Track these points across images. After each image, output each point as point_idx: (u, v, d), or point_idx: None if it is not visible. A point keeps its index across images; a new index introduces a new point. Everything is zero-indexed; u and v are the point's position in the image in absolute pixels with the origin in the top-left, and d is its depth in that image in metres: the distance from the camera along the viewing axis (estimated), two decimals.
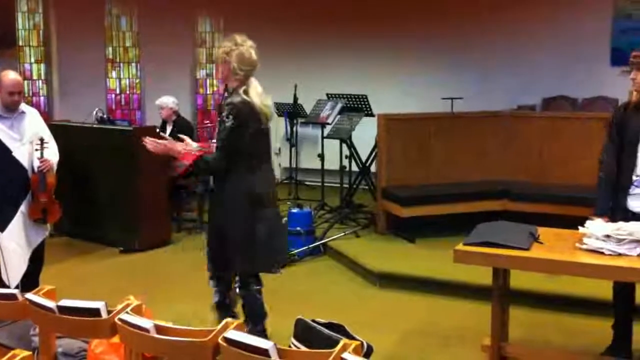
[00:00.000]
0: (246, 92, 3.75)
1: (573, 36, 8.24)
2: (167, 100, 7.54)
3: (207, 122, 9.73)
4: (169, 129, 7.61)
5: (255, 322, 3.95)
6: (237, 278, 3.98)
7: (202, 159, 3.77)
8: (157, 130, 7.30)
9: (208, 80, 10.46)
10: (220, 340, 2.35)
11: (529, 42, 8.46)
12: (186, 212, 7.83)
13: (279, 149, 9.65)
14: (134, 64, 10.51)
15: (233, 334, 2.31)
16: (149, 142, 3.78)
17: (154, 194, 6.61)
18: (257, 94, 3.78)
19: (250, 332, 3.73)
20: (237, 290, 3.99)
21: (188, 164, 3.75)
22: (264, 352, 2.19)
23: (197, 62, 10.44)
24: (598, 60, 8.16)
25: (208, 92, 10.44)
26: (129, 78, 10.47)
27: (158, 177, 6.65)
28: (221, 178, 3.83)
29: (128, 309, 2.69)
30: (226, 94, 3.92)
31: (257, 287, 3.99)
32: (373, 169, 7.30)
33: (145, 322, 2.55)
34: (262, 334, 3.90)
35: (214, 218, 4.00)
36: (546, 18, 8.37)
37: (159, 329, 2.54)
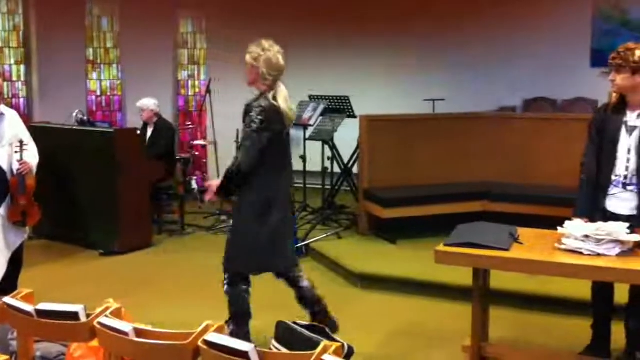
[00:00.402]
0: (274, 97, 3.84)
1: (553, 38, 8.32)
2: (148, 103, 7.51)
3: (189, 123, 9.69)
4: (150, 130, 7.58)
5: (239, 323, 3.96)
6: (225, 275, 4.03)
7: (228, 171, 3.85)
8: (138, 132, 7.27)
9: (190, 82, 10.40)
10: (200, 343, 2.34)
11: (510, 44, 8.52)
12: (167, 214, 7.80)
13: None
14: (115, 65, 10.43)
15: (213, 337, 2.30)
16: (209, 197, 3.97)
17: (135, 196, 6.57)
18: (284, 98, 3.87)
19: (233, 333, 3.77)
20: (225, 288, 4.04)
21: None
22: (244, 355, 2.18)
23: (179, 63, 10.39)
24: (578, 62, 8.25)
25: (190, 94, 10.38)
26: (110, 79, 10.39)
27: (139, 179, 6.61)
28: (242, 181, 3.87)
29: (107, 313, 2.67)
30: (253, 98, 3.95)
31: (245, 287, 4.01)
32: (355, 170, 7.32)
33: (125, 326, 2.53)
34: (246, 336, 3.90)
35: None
36: (527, 21, 8.43)
37: (139, 333, 2.52)
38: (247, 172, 3.79)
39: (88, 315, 2.65)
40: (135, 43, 9.94)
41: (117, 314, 2.71)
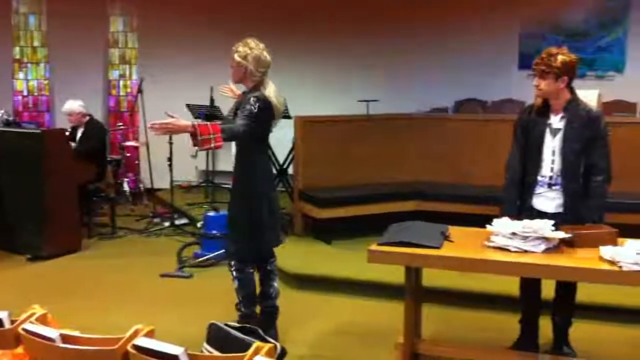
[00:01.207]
0: (264, 91, 4.02)
1: (483, 41, 8.51)
2: (73, 106, 7.29)
3: (120, 124, 9.48)
4: (80, 131, 7.38)
5: (248, 305, 4.17)
6: (232, 263, 4.17)
7: (227, 125, 3.87)
8: (68, 132, 7.08)
9: (121, 82, 10.19)
10: (129, 348, 2.30)
11: (442, 47, 8.68)
12: (98, 217, 7.62)
13: (196, 152, 9.52)
14: (42, 65, 10.14)
15: (142, 341, 2.26)
16: (157, 127, 3.66)
17: (64, 199, 6.39)
18: (274, 92, 4.07)
19: (244, 316, 4.12)
20: (234, 274, 4.19)
21: (214, 135, 3.69)
22: (175, 358, 2.15)
23: (110, 62, 10.16)
24: (506, 65, 8.47)
25: (121, 94, 10.17)
26: (37, 79, 10.09)
27: (67, 182, 6.43)
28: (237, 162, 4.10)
29: (32, 319, 2.59)
30: (244, 94, 4.13)
31: (252, 270, 4.20)
32: (290, 171, 7.31)
33: (51, 332, 2.46)
34: (254, 315, 4.16)
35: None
36: (458, 25, 8.60)
37: (66, 339, 2.46)
38: (239, 137, 3.93)
39: (13, 322, 2.57)
40: (64, 42, 9.68)
41: (43, 320, 2.64)
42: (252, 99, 3.92)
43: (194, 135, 3.64)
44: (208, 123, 3.75)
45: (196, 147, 3.70)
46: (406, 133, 6.96)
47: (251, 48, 4.00)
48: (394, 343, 3.90)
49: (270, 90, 4.04)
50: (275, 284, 4.27)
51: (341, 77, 9.06)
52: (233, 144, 4.26)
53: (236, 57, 3.99)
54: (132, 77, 10.09)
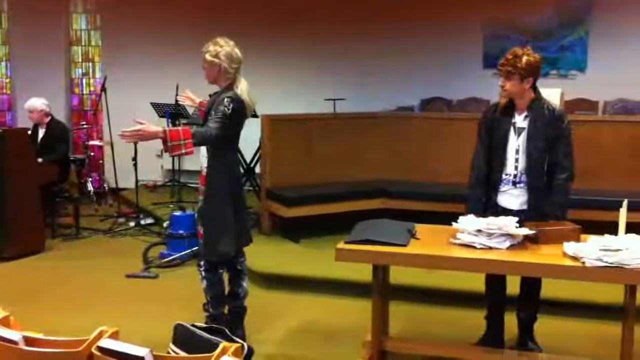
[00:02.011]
0: (236, 90, 4.00)
1: (448, 41, 8.59)
2: (36, 103, 7.17)
3: (84, 123, 9.35)
4: (41, 132, 7.26)
5: (216, 305, 4.13)
6: (201, 263, 4.12)
7: (198, 129, 3.81)
8: (29, 132, 6.96)
9: (84, 80, 10.04)
10: (94, 350, 2.26)
11: (408, 46, 8.72)
12: (62, 217, 7.50)
13: (161, 151, 9.43)
14: (3, 63, 9.96)
15: (107, 343, 2.23)
16: (128, 135, 3.59)
17: (25, 199, 6.27)
18: (246, 90, 4.06)
19: (212, 316, 4.08)
20: (204, 274, 4.13)
21: (185, 141, 3.65)
22: None
23: (73, 60, 10.01)
24: (471, 64, 8.56)
25: (84, 92, 10.03)
26: None
27: (29, 182, 6.32)
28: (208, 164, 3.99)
29: None
30: (215, 93, 4.08)
31: (221, 271, 4.16)
32: (258, 169, 7.29)
33: (13, 334, 2.41)
34: (222, 316, 4.13)
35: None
36: (424, 25, 8.66)
37: (29, 341, 2.41)
38: (211, 141, 3.85)
39: None
40: (26, 40, 9.51)
41: (5, 322, 2.59)
42: (225, 99, 3.87)
43: (164, 141, 3.62)
44: (179, 128, 3.72)
45: (167, 153, 3.69)
46: (372, 131, 7.00)
47: (222, 46, 3.97)
48: (362, 341, 3.92)
49: (243, 88, 4.03)
50: (245, 284, 4.24)
51: (308, 76, 9.06)
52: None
53: (208, 56, 3.95)
54: (96, 76, 9.95)
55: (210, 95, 4.21)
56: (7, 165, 6.11)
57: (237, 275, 4.22)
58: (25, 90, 8.80)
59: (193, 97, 4.43)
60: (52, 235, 6.98)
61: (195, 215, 4.18)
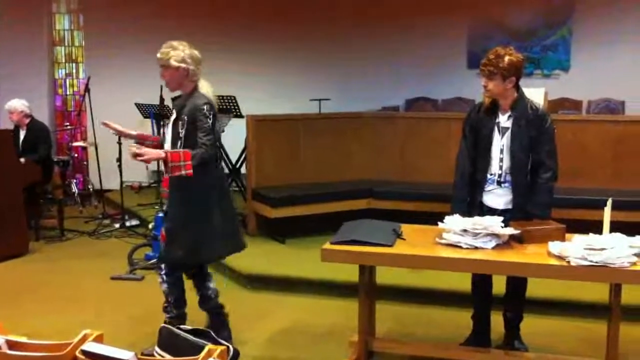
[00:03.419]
0: (202, 91, 3.91)
1: (433, 41, 8.61)
2: (17, 104, 7.11)
3: (67, 124, 9.27)
4: (22, 133, 7.20)
5: (178, 306, 4.09)
6: (162, 266, 4.02)
7: (197, 152, 3.72)
8: (11, 134, 6.89)
9: (68, 81, 9.96)
10: (77, 354, 2.24)
11: (393, 47, 8.75)
12: (45, 219, 7.44)
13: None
14: None
15: (91, 346, 2.21)
16: (141, 158, 3.64)
17: (7, 201, 6.20)
18: (208, 87, 3.96)
19: (175, 317, 4.03)
20: (166, 278, 4.04)
21: (184, 162, 3.64)
22: None
23: (56, 61, 9.92)
24: (455, 64, 8.59)
25: (68, 93, 9.95)
26: None
27: (11, 183, 6.25)
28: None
29: None
30: (179, 97, 3.97)
31: (180, 274, 4.11)
32: (243, 170, 7.27)
33: None
34: (185, 316, 4.09)
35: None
36: (408, 25, 8.67)
37: (12, 345, 2.38)
38: (210, 158, 3.80)
39: None
40: (7, 40, 9.42)
41: None
42: (204, 108, 3.77)
43: (165, 163, 3.65)
44: (180, 150, 3.71)
45: (167, 174, 3.72)
46: (357, 131, 7.00)
47: (182, 49, 3.86)
48: (348, 341, 3.91)
49: (208, 88, 3.95)
50: (212, 284, 4.14)
51: (293, 77, 9.05)
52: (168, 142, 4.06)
53: (173, 62, 3.81)
54: (80, 76, 9.88)
55: (173, 100, 4.08)
56: None
57: (203, 279, 4.13)
58: (8, 90, 8.71)
59: (120, 128, 4.17)
60: (36, 237, 6.92)
61: (160, 218, 4.05)
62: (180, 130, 3.83)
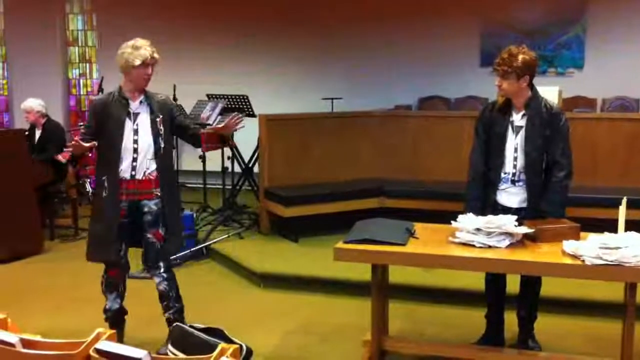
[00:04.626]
0: None
1: (445, 40, 8.59)
2: (33, 104, 7.14)
3: (82, 124, 9.31)
4: (38, 133, 7.24)
5: (180, 299, 4.19)
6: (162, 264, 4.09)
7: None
8: (26, 133, 6.93)
9: (81, 80, 10.02)
10: (91, 352, 2.24)
11: (407, 45, 8.73)
12: (60, 218, 7.48)
13: None
14: (0, 64, 9.93)
15: (105, 345, 2.21)
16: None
17: (22, 201, 6.25)
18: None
19: (180, 310, 4.16)
20: (161, 278, 4.10)
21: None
22: None
23: (70, 61, 9.98)
24: (468, 62, 8.56)
25: (82, 93, 10.00)
26: None
27: (25, 183, 6.29)
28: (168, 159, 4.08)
29: None
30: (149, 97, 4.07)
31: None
32: (256, 169, 7.28)
33: (10, 337, 2.39)
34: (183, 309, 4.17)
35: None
36: (422, 24, 8.66)
37: (26, 343, 2.39)
38: None
39: None
40: (22, 40, 9.49)
41: (2, 324, 2.57)
42: (172, 103, 4.09)
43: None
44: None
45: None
46: (369, 130, 6.99)
47: (149, 44, 4.01)
48: (361, 340, 3.90)
49: None
50: None
51: (305, 76, 9.05)
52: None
53: (156, 56, 3.99)
54: (93, 76, 9.93)
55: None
56: (2, 166, 6.08)
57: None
58: (22, 91, 8.78)
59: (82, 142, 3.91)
60: (50, 236, 6.96)
61: (151, 218, 4.03)
62: (160, 127, 3.97)
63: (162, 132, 3.95)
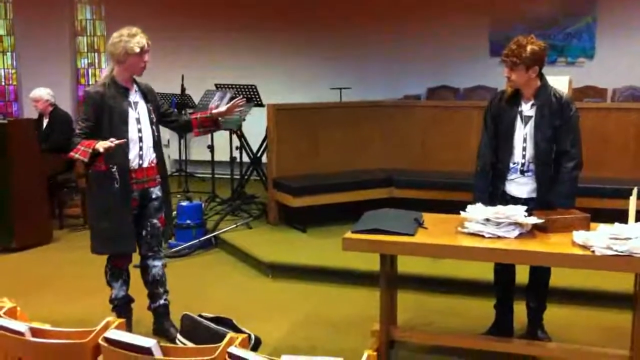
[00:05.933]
0: None
1: (454, 29, 8.54)
2: (41, 93, 7.15)
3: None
4: (45, 122, 7.25)
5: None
6: (160, 248, 4.20)
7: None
8: (34, 123, 6.95)
9: (90, 70, 10.03)
10: (100, 341, 2.25)
11: (415, 35, 8.70)
12: (69, 208, 7.50)
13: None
14: (9, 54, 9.95)
15: (114, 334, 2.22)
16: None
17: (31, 191, 6.27)
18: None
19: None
20: (162, 262, 4.18)
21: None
22: (147, 351, 2.11)
23: (78, 51, 9.99)
24: (477, 52, 8.52)
25: (90, 83, 10.02)
26: (4, 68, 9.90)
27: (35, 173, 6.31)
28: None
29: (1, 312, 2.53)
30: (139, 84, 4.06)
31: None
32: (264, 159, 7.28)
33: (20, 325, 2.40)
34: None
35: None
36: (431, 13, 8.63)
37: (35, 332, 2.41)
38: None
39: None
40: (31, 30, 9.51)
41: (11, 313, 2.59)
42: (154, 90, 4.09)
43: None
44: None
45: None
46: (377, 120, 6.96)
47: (142, 31, 3.93)
48: (370, 330, 3.90)
49: None
50: None
51: (314, 66, 9.03)
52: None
53: (150, 43, 3.91)
54: (102, 66, 9.94)
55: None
56: (11, 156, 6.10)
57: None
58: (31, 80, 8.80)
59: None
60: (59, 226, 6.99)
61: (158, 204, 4.07)
62: (153, 115, 4.00)
63: (154, 120, 4.00)
